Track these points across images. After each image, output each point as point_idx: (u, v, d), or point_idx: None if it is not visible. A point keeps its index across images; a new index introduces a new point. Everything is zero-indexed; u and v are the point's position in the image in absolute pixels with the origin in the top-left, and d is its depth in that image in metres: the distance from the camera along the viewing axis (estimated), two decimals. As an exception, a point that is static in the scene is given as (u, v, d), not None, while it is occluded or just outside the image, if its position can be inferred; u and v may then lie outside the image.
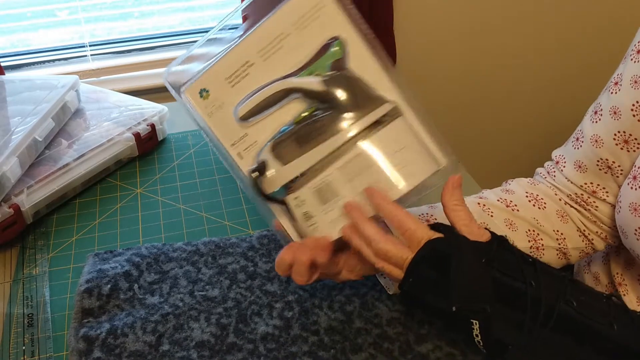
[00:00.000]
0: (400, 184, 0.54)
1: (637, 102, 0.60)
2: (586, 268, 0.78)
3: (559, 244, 0.67)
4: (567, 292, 0.48)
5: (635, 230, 0.59)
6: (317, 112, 0.55)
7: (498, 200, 0.67)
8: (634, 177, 0.60)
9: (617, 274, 0.70)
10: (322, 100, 0.54)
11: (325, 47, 0.54)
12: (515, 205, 0.67)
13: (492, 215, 0.65)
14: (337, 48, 0.54)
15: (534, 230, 0.66)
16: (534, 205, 0.67)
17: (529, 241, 0.65)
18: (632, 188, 0.60)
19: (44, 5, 1.14)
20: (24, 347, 0.60)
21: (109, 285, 0.65)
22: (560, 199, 0.68)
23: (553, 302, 0.47)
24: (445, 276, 0.49)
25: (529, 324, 0.47)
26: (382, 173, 0.54)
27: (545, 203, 0.68)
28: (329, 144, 0.54)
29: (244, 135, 0.56)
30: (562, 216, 0.67)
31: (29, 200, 0.73)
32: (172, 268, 0.68)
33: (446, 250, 0.50)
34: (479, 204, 0.66)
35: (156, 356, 0.58)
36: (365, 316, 0.62)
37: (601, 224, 0.67)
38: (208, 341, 0.60)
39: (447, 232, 0.51)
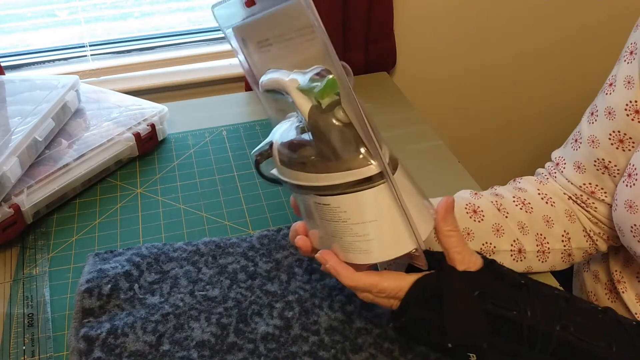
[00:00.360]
0: (369, 255, 0.49)
1: (631, 101, 0.61)
2: (585, 266, 0.78)
3: (564, 246, 0.67)
4: (563, 316, 0.48)
5: (632, 227, 0.59)
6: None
7: (513, 199, 0.67)
8: (629, 175, 0.60)
9: (616, 271, 0.70)
10: (309, 129, 0.49)
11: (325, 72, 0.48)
12: (529, 204, 0.67)
13: (506, 217, 0.65)
14: (333, 81, 0.47)
15: (541, 234, 0.66)
16: (546, 202, 0.68)
17: (537, 245, 0.66)
18: (627, 185, 0.60)
19: (43, 5, 1.14)
20: (24, 347, 0.60)
21: (109, 285, 0.65)
22: (569, 198, 0.69)
23: (549, 329, 0.47)
24: (438, 313, 0.49)
25: (528, 353, 0.47)
26: (354, 237, 0.49)
27: (554, 202, 0.68)
28: (311, 178, 0.49)
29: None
30: (570, 216, 0.68)
31: (29, 200, 0.73)
32: (172, 268, 0.68)
33: (437, 287, 0.49)
34: (494, 202, 0.66)
35: (156, 356, 0.58)
36: (366, 316, 0.62)
37: (602, 225, 0.68)
38: (208, 341, 0.60)
39: (437, 268, 0.51)
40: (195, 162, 0.88)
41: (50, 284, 0.68)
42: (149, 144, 0.90)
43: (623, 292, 0.69)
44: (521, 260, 0.66)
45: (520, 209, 0.66)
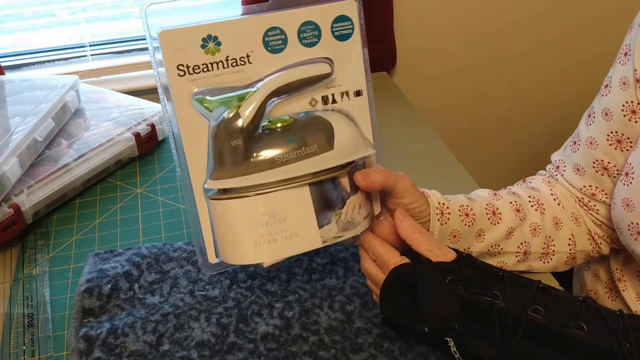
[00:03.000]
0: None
1: (627, 102, 0.61)
2: (585, 265, 0.78)
3: (570, 249, 0.67)
4: (536, 300, 0.48)
5: (629, 225, 0.59)
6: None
7: (529, 199, 0.67)
8: (626, 174, 0.61)
9: (617, 270, 0.71)
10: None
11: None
12: (542, 205, 0.67)
13: (522, 220, 0.65)
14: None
15: (549, 237, 0.66)
16: (558, 204, 0.68)
17: (544, 248, 0.66)
18: (624, 184, 0.61)
19: (43, 5, 1.14)
20: (24, 347, 0.60)
21: (109, 285, 0.65)
22: (575, 201, 0.69)
23: (520, 312, 0.47)
24: (414, 300, 0.50)
25: (499, 336, 0.47)
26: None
27: (564, 205, 0.68)
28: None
29: None
30: (576, 219, 0.68)
31: (29, 200, 0.73)
32: (172, 268, 0.68)
33: (412, 275, 0.51)
34: (512, 203, 0.65)
35: (156, 356, 0.58)
36: (366, 316, 0.62)
37: (605, 227, 0.68)
38: (208, 341, 0.60)
39: (413, 258, 0.52)
40: (195, 162, 0.88)
41: (50, 284, 0.68)
42: (149, 144, 0.89)
43: (623, 290, 0.69)
44: (524, 261, 0.66)
45: (536, 210, 0.66)
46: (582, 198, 0.68)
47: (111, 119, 0.89)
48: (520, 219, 0.64)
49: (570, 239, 0.67)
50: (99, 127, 0.87)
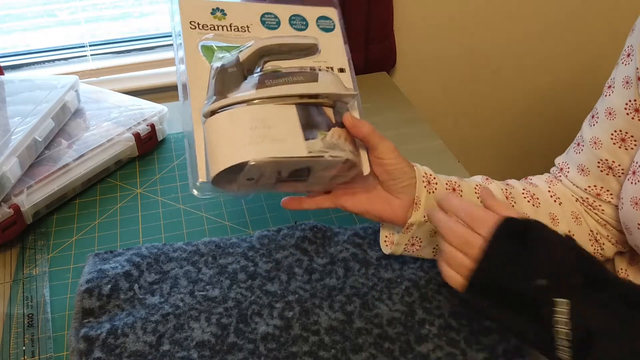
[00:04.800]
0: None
1: (630, 100, 0.62)
2: None
3: None
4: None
5: (639, 224, 0.59)
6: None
7: (522, 191, 0.67)
8: (633, 172, 0.61)
9: (622, 269, 0.70)
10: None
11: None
12: (538, 199, 0.67)
13: (513, 206, 0.65)
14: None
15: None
16: (554, 201, 0.68)
17: None
18: (632, 183, 0.61)
19: (43, 5, 1.14)
20: (24, 347, 0.60)
21: (109, 286, 0.65)
22: (577, 200, 0.69)
23: (622, 280, 0.45)
24: (529, 251, 0.46)
25: (614, 303, 0.43)
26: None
27: (562, 202, 0.68)
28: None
29: None
30: (577, 217, 0.68)
31: (28, 200, 0.73)
32: (172, 268, 0.68)
33: (524, 226, 0.47)
34: (503, 190, 0.66)
35: (156, 356, 0.58)
36: (366, 316, 0.62)
37: (610, 227, 0.68)
38: (208, 341, 0.60)
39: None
40: (195, 162, 0.88)
41: (50, 284, 0.68)
42: (149, 144, 0.89)
43: None
44: None
45: (528, 201, 0.66)
46: (587, 198, 0.68)
47: (111, 119, 0.89)
48: (511, 204, 0.64)
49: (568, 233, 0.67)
50: (98, 127, 0.87)
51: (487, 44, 1.35)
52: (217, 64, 0.57)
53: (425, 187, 0.60)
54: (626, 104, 0.62)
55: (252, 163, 0.51)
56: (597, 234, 0.69)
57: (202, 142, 0.56)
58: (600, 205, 0.67)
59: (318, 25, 0.64)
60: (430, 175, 0.61)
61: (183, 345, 0.59)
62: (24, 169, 0.75)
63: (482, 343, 0.60)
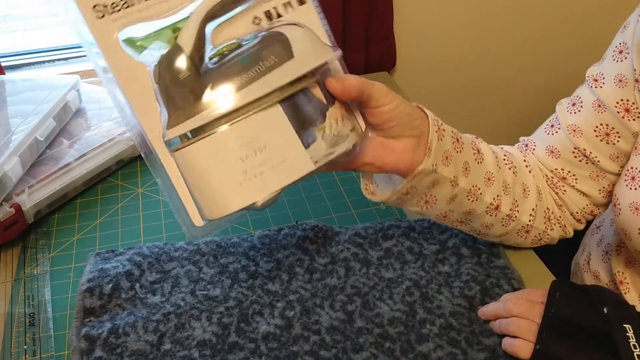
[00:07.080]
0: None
1: (622, 99, 0.62)
2: (585, 266, 0.78)
3: (529, 221, 0.66)
4: None
5: (639, 230, 0.59)
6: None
7: (504, 157, 0.66)
8: (632, 178, 0.61)
9: (619, 272, 0.70)
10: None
11: None
12: (515, 167, 0.67)
13: (499, 169, 0.64)
14: None
15: (516, 201, 0.65)
16: (529, 171, 0.68)
17: (510, 210, 0.64)
18: (630, 188, 0.61)
19: (44, 5, 1.15)
20: (25, 347, 0.60)
21: (110, 285, 0.65)
22: (544, 175, 0.69)
23: None
24: (586, 292, 0.56)
25: None
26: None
27: (534, 175, 0.68)
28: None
29: None
30: (539, 193, 0.68)
31: (30, 199, 0.73)
32: (173, 267, 0.68)
33: (573, 286, 0.59)
34: (492, 152, 0.65)
35: (158, 355, 0.58)
36: (367, 316, 0.62)
37: (564, 210, 0.69)
38: (209, 340, 0.60)
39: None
40: (196, 162, 0.89)
41: (52, 283, 0.68)
42: (150, 144, 0.89)
43: (626, 293, 0.69)
44: (491, 216, 0.63)
45: (509, 168, 0.66)
46: (552, 177, 0.69)
47: (112, 118, 0.89)
48: (498, 167, 0.64)
49: (532, 211, 0.66)
50: (100, 126, 0.87)
51: (487, 43, 1.35)
52: (154, 60, 0.44)
53: (436, 131, 0.56)
54: (617, 102, 0.62)
55: (260, 203, 0.44)
56: (551, 213, 0.69)
57: (180, 179, 0.46)
58: (563, 187, 0.68)
59: None
60: (438, 121, 0.57)
61: (184, 345, 0.59)
62: (26, 168, 0.76)
63: (483, 343, 0.60)
